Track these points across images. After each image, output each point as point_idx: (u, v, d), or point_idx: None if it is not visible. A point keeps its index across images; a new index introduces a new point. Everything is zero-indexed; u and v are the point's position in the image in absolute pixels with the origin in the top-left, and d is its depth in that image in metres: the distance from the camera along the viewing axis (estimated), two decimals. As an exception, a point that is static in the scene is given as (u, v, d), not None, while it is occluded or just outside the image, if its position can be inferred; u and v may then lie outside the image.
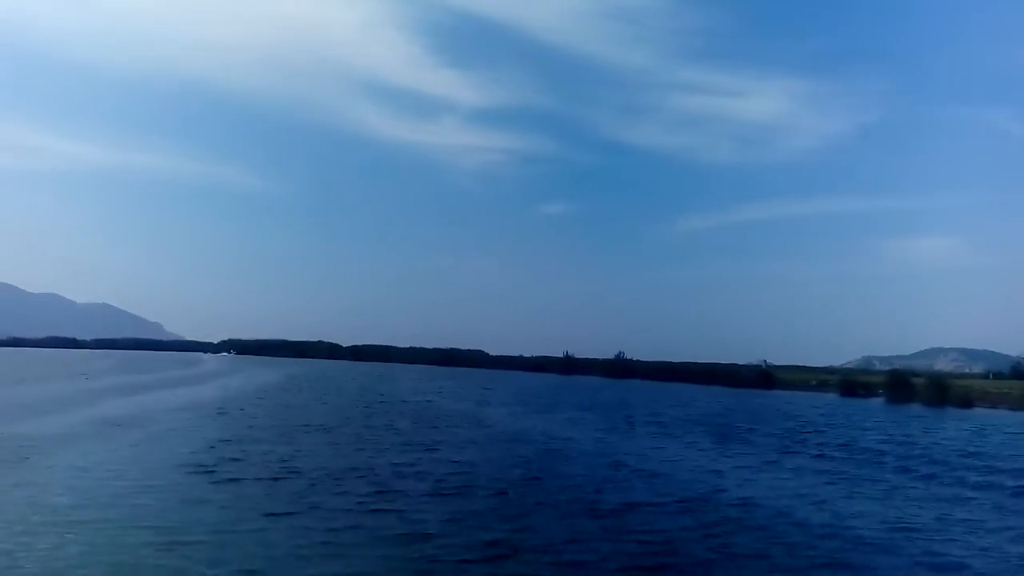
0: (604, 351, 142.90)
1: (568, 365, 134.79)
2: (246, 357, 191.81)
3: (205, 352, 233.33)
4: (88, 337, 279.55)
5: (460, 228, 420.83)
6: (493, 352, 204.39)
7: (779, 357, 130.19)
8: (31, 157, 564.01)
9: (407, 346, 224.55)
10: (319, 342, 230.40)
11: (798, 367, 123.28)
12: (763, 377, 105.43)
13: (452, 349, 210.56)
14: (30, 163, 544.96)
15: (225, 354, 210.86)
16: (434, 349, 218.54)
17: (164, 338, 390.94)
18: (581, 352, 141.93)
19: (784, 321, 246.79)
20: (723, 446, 29.81)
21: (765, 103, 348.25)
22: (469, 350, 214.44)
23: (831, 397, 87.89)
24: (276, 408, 37.11)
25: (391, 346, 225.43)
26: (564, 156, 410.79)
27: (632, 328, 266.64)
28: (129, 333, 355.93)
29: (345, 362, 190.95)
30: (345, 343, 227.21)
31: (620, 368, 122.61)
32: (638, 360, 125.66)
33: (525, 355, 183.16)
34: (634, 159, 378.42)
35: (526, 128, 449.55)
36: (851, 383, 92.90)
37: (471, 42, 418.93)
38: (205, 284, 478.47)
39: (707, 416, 46.16)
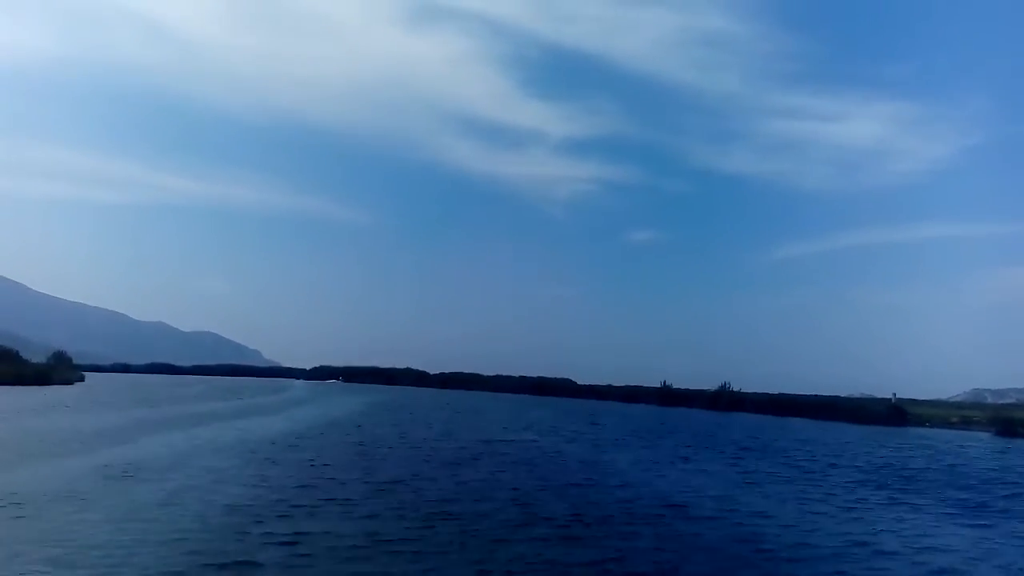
0: (695, 381, 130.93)
1: (666, 396, 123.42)
2: (334, 384, 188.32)
3: (297, 378, 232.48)
4: (190, 363, 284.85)
5: (547, 257, 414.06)
6: (581, 381, 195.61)
7: (880, 389, 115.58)
8: (135, 192, 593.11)
9: (493, 374, 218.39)
10: (407, 369, 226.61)
11: (930, 402, 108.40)
12: (895, 413, 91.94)
13: (540, 378, 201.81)
14: (134, 197, 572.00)
15: (333, 381, 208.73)
16: (520, 378, 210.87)
17: (262, 364, 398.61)
18: (676, 382, 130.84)
19: (886, 352, 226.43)
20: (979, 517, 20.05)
21: (863, 127, 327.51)
22: (556, 379, 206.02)
23: (984, 437, 74.46)
24: (345, 449, 29.08)
25: (477, 374, 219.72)
26: (653, 184, 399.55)
27: (725, 358, 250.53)
28: (230, 360, 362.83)
29: (431, 390, 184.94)
30: (432, 371, 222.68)
31: (726, 400, 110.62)
32: (745, 392, 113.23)
33: (614, 384, 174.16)
34: (725, 186, 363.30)
35: (614, 157, 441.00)
36: (1009, 420, 78.77)
37: (560, 74, 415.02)
38: (299, 313, 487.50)
39: (910, 470, 35.06)
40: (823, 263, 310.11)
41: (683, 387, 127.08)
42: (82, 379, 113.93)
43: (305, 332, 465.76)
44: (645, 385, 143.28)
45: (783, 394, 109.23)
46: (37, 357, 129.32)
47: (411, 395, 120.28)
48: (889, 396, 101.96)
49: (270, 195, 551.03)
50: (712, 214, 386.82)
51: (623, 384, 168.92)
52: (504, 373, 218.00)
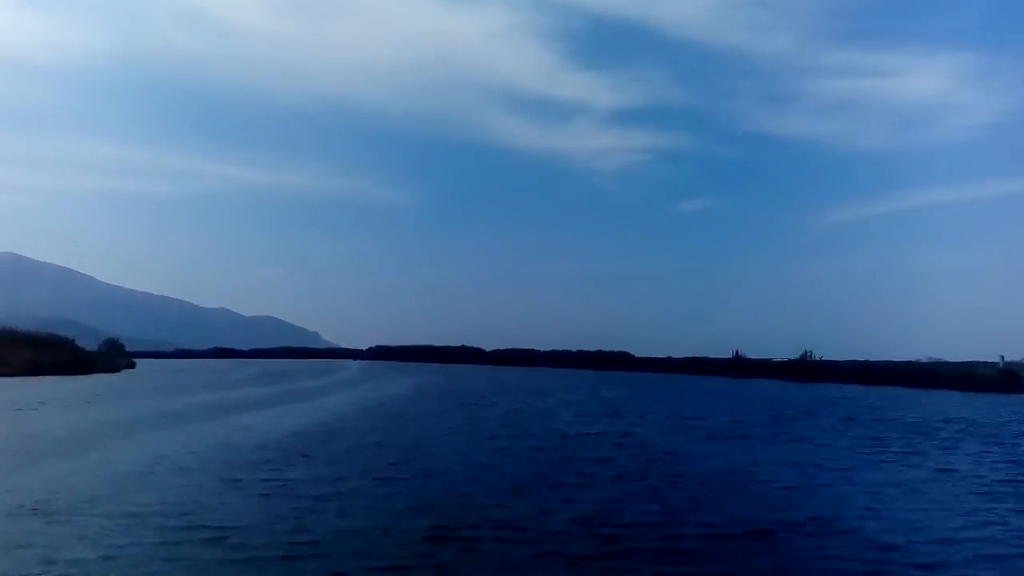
0: (756, 351, 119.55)
1: (739, 367, 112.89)
2: (389, 364, 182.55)
3: (355, 359, 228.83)
4: (251, 347, 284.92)
5: (598, 229, 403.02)
6: (638, 354, 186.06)
7: (951, 354, 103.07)
8: (194, 182, 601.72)
9: (548, 349, 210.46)
10: (461, 347, 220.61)
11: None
12: (1008, 378, 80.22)
13: (598, 352, 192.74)
14: (194, 187, 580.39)
15: (388, 362, 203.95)
16: (577, 352, 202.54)
17: (321, 346, 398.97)
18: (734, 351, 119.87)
19: (951, 315, 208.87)
20: None
21: (924, 81, 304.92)
22: (614, 352, 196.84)
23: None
24: (350, 462, 20.70)
25: (533, 349, 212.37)
26: (704, 151, 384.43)
27: (785, 326, 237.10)
28: (291, 343, 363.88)
29: (487, 367, 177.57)
30: (487, 348, 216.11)
31: (808, 370, 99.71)
32: (830, 360, 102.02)
33: (673, 356, 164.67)
34: (778, 150, 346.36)
35: (664, 126, 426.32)
36: None
37: (606, 44, 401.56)
38: (356, 294, 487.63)
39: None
40: (883, 225, 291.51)
41: (754, 356, 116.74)
42: (132, 366, 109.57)
43: (362, 313, 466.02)
44: (706, 356, 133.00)
45: (875, 361, 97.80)
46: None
47: (466, 373, 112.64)
48: (996, 360, 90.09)
49: (323, 179, 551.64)
50: (765, 179, 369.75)
51: (682, 356, 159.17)
52: (560, 348, 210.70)
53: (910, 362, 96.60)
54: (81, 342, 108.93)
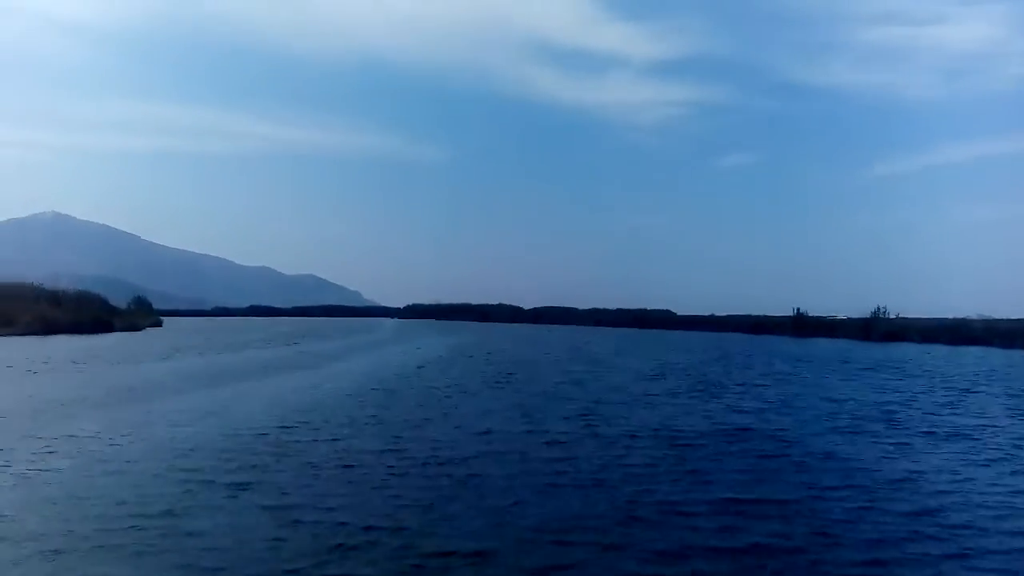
0: (813, 307, 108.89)
1: (801, 326, 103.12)
2: (426, 322, 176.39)
3: (392, 317, 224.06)
4: (291, 306, 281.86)
5: (636, 185, 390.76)
6: (680, 312, 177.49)
7: (1002, 310, 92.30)
8: (236, 141, 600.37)
9: (588, 307, 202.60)
10: (500, 305, 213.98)
11: None
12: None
13: (640, 310, 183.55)
14: (236, 147, 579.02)
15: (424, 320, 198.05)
16: (617, 310, 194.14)
17: (361, 305, 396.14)
18: (771, 310, 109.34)
19: (1002, 272, 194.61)
20: None
21: (971, 29, 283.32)
22: (656, 310, 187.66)
23: None
24: (385, 443, 12.84)
25: (572, 308, 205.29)
26: (744, 104, 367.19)
27: (832, 281, 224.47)
28: (331, 301, 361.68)
29: (526, 325, 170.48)
30: (526, 305, 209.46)
31: (883, 329, 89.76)
32: (908, 318, 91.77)
33: (717, 314, 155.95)
34: (821, 102, 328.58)
35: (703, 78, 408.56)
36: None
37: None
38: (395, 252, 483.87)
39: None
40: (929, 178, 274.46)
41: (818, 315, 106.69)
42: (158, 324, 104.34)
43: (401, 271, 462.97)
44: (757, 314, 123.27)
45: (956, 319, 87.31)
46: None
47: (505, 333, 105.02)
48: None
49: (361, 137, 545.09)
50: (807, 132, 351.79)
51: (724, 314, 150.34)
52: (599, 306, 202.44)
53: (997, 319, 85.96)
54: (123, 301, 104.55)
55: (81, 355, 40.06)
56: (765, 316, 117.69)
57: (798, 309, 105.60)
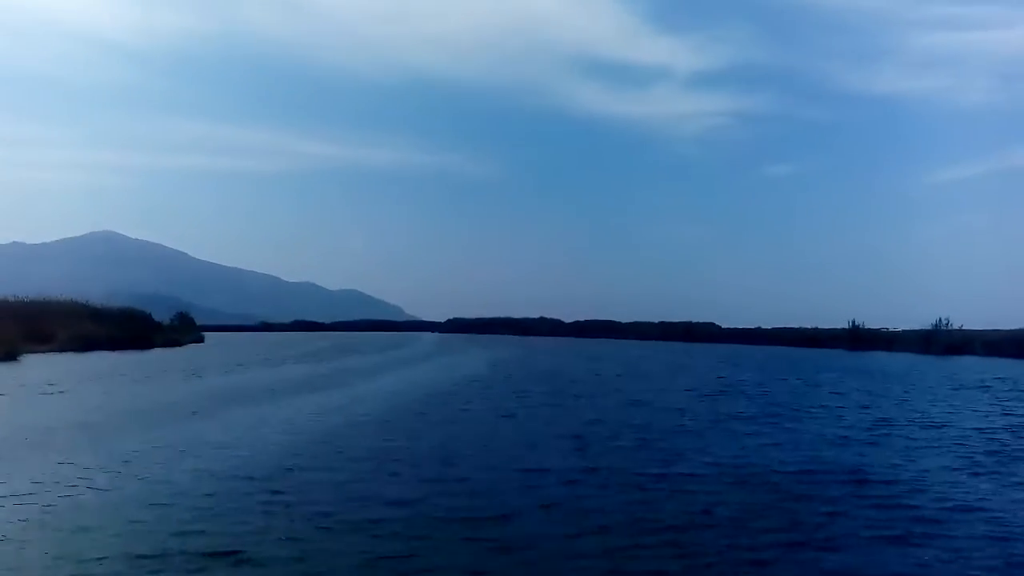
0: (866, 319, 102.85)
1: (858, 339, 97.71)
2: (466, 336, 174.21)
3: (432, 331, 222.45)
4: (332, 321, 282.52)
5: (679, 197, 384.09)
6: (724, 325, 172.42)
7: None
8: (282, 160, 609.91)
9: (630, 320, 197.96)
10: (540, 319, 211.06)
11: None
12: None
13: (686, 323, 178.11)
14: (282, 165, 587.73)
15: (463, 335, 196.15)
16: (660, 323, 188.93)
17: (401, 319, 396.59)
18: (824, 323, 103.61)
19: None
20: None
21: None
22: (702, 323, 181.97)
23: None
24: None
25: (614, 321, 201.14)
26: (789, 113, 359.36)
27: (885, 293, 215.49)
28: (373, 316, 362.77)
29: (568, 339, 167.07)
30: (567, 319, 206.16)
31: (944, 341, 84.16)
32: (968, 330, 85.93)
33: (763, 327, 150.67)
34: (871, 109, 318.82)
35: (748, 88, 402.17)
36: None
37: (687, 4, 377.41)
38: (435, 267, 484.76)
39: None
40: (989, 185, 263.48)
41: (872, 327, 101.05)
42: (200, 340, 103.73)
43: (442, 286, 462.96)
44: (807, 328, 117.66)
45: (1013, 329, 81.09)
46: (200, 320, 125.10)
47: (546, 347, 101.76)
48: None
49: (403, 154, 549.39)
50: (857, 141, 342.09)
51: (770, 327, 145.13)
52: (642, 319, 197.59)
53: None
54: (167, 317, 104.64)
55: (106, 371, 38.16)
56: (818, 328, 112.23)
57: (854, 321, 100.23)
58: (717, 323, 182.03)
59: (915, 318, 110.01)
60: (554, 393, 29.88)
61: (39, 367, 44.04)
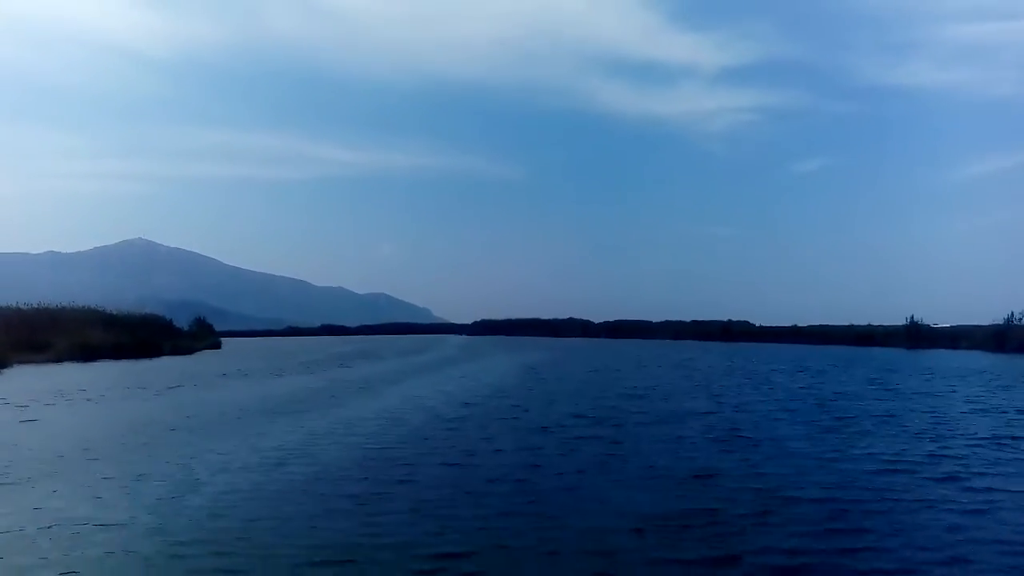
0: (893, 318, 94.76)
1: (914, 336, 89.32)
2: (494, 339, 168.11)
3: (460, 334, 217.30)
4: (360, 324, 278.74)
5: (707, 195, 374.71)
6: (759, 323, 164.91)
7: None
8: (311, 166, 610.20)
9: (662, 320, 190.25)
10: (570, 319, 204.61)
11: None
12: None
13: (723, 321, 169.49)
14: (310, 172, 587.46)
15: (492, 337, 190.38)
16: (693, 322, 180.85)
17: (428, 322, 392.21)
18: (873, 319, 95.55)
19: None
20: None
21: None
22: (739, 321, 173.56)
23: None
24: None
25: (645, 320, 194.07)
26: (817, 108, 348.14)
27: (926, 290, 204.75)
28: (402, 319, 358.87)
29: (599, 340, 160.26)
30: (596, 319, 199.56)
31: (1019, 339, 75.63)
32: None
33: (799, 324, 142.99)
34: (901, 103, 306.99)
35: (774, 83, 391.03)
36: None
37: (712, 1, 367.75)
38: (463, 270, 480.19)
39: None
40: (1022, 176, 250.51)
41: (930, 324, 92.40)
42: (216, 346, 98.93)
43: (470, 288, 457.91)
44: (857, 324, 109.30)
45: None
46: (230, 325, 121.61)
47: (578, 349, 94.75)
48: None
49: (428, 157, 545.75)
50: (887, 134, 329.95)
51: (806, 324, 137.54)
52: (673, 319, 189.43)
53: None
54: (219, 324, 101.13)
55: (68, 387, 32.20)
56: (872, 325, 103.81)
57: (912, 317, 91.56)
58: (751, 321, 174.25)
59: (974, 314, 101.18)
60: (595, 406, 22.87)
61: (12, 380, 38.66)
